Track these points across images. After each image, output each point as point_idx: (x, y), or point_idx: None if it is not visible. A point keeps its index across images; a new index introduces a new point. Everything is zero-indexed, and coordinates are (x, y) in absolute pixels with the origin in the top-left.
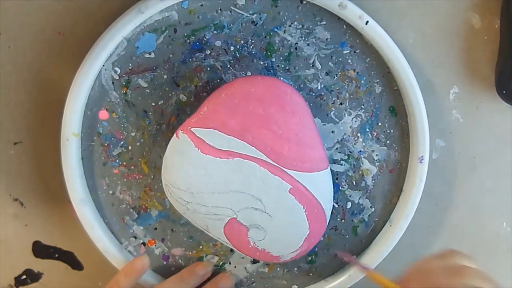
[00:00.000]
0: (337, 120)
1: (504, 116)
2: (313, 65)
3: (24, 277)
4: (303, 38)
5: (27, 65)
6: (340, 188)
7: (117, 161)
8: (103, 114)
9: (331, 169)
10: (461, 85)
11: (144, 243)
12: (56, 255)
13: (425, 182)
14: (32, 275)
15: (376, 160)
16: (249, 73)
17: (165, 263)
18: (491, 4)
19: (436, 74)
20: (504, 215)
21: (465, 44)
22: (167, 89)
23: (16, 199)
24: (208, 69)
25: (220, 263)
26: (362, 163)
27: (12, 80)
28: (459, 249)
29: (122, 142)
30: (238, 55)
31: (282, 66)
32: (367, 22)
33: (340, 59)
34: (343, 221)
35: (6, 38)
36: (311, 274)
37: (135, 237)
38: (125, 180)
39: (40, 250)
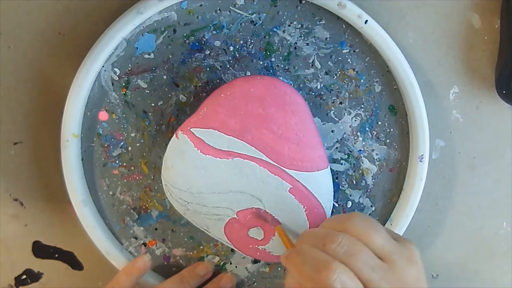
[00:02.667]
0: (337, 120)
1: (504, 116)
2: (312, 65)
3: (24, 277)
4: (303, 37)
5: (27, 65)
6: (340, 187)
7: (117, 162)
8: (103, 115)
9: (331, 169)
10: (461, 85)
11: (145, 244)
12: (56, 255)
13: (425, 182)
14: (32, 275)
15: (376, 159)
16: (248, 73)
17: (166, 263)
18: (491, 4)
19: (436, 74)
20: (504, 215)
21: (465, 44)
22: (166, 89)
23: (16, 199)
24: (208, 69)
25: (221, 263)
26: (362, 162)
27: (12, 80)
28: (459, 249)
29: (122, 143)
30: (237, 55)
31: (282, 65)
32: (366, 21)
33: (340, 58)
34: None
35: (6, 38)
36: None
37: (136, 238)
38: (125, 180)
39: (40, 250)
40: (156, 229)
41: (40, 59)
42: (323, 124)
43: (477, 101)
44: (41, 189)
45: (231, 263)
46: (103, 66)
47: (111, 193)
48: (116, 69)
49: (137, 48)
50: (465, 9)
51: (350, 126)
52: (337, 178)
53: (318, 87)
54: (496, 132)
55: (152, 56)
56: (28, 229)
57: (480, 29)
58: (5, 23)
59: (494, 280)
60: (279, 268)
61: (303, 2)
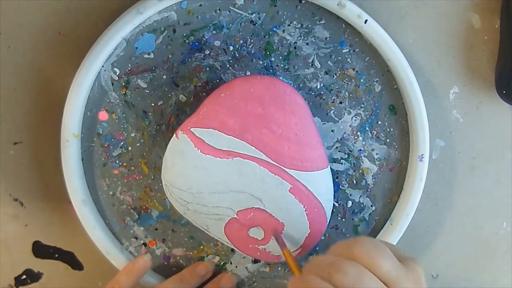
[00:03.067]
0: (337, 119)
1: (504, 116)
2: (312, 64)
3: (24, 277)
4: (302, 37)
5: (27, 65)
6: (341, 187)
7: (117, 161)
8: (103, 115)
9: (331, 168)
10: (461, 85)
11: (145, 244)
12: (56, 255)
13: (425, 182)
14: (32, 275)
15: (376, 159)
16: (248, 73)
17: (166, 263)
18: (491, 4)
19: (436, 74)
20: (504, 215)
21: (465, 44)
22: (166, 89)
23: (16, 199)
24: (208, 69)
25: (221, 263)
26: (362, 162)
27: (12, 80)
28: (459, 249)
29: (122, 143)
30: (237, 55)
31: (281, 65)
32: (366, 20)
33: (340, 58)
34: (343, 220)
35: (6, 38)
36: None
37: (136, 238)
38: (125, 180)
39: (40, 250)
40: (156, 229)
41: (40, 59)
42: (323, 123)
43: (477, 101)
44: (41, 189)
45: (231, 263)
46: (103, 66)
47: (111, 193)
48: (116, 69)
49: (137, 48)
50: (465, 9)
51: (350, 126)
52: (337, 178)
53: (318, 87)
54: (496, 132)
55: (152, 56)
56: (28, 229)
57: (480, 29)
58: (5, 23)
59: (494, 280)
60: (279, 268)
61: (303, 1)
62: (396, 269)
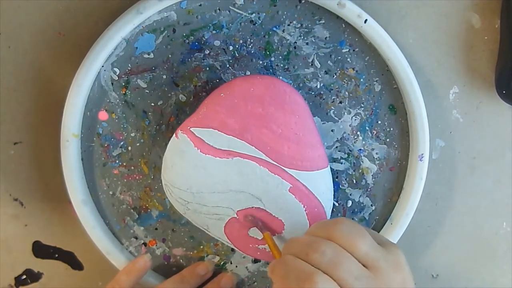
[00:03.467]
0: (337, 119)
1: (504, 116)
2: (312, 64)
3: (24, 277)
4: (302, 37)
5: (27, 65)
6: (341, 186)
7: (117, 161)
8: (103, 115)
9: (331, 168)
10: (461, 85)
11: (145, 244)
12: (56, 255)
13: (425, 182)
14: (32, 275)
15: (376, 158)
16: (248, 73)
17: (166, 263)
18: (491, 4)
19: (436, 74)
20: (504, 215)
21: (465, 44)
22: (166, 89)
23: (16, 199)
24: (207, 69)
25: (221, 263)
26: (362, 162)
27: (12, 80)
28: (459, 249)
29: (122, 143)
30: (237, 55)
31: (281, 65)
32: (365, 20)
33: (339, 57)
34: None
35: (6, 38)
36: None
37: (136, 238)
38: (125, 180)
39: (40, 250)
40: (156, 228)
41: (40, 59)
42: (323, 123)
43: (477, 101)
44: (41, 189)
45: (231, 263)
46: (102, 66)
47: (111, 193)
48: (115, 69)
49: (137, 48)
50: (465, 9)
51: (350, 125)
52: (337, 177)
53: (318, 87)
54: (496, 132)
55: (151, 56)
56: (28, 229)
57: (480, 29)
58: (5, 23)
59: (494, 280)
60: None
61: (303, 1)
62: (374, 251)
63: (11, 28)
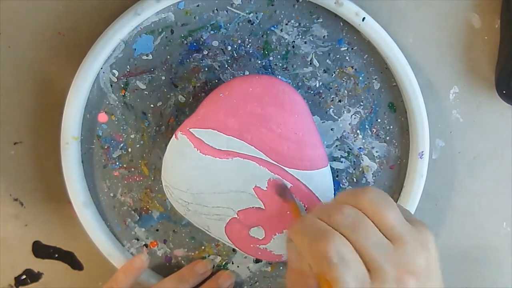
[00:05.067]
0: (336, 118)
1: (504, 116)
2: (310, 63)
3: (24, 277)
4: (300, 36)
5: (27, 65)
6: (341, 185)
7: (117, 163)
8: (102, 117)
9: (331, 167)
10: (461, 85)
11: (146, 245)
12: (56, 255)
13: (425, 182)
14: (32, 275)
15: (376, 157)
16: (247, 73)
17: (167, 264)
18: (491, 4)
19: (436, 74)
20: (504, 215)
21: (465, 44)
22: (165, 90)
23: (16, 199)
24: (206, 69)
25: (223, 263)
26: (362, 160)
27: (12, 80)
28: (459, 249)
29: (121, 145)
30: (235, 55)
31: (280, 64)
32: (363, 18)
33: (338, 56)
34: None
35: (6, 38)
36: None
37: (137, 239)
38: (125, 182)
39: (40, 250)
40: (157, 230)
41: (40, 59)
42: (322, 122)
43: (477, 101)
44: (41, 189)
45: (233, 263)
46: (101, 68)
47: (111, 194)
48: (114, 71)
49: (135, 49)
50: (465, 9)
51: (349, 124)
52: (337, 176)
53: (317, 86)
54: (496, 132)
55: (150, 57)
56: (28, 229)
57: (480, 29)
58: (5, 23)
59: (494, 280)
60: (281, 268)
61: (300, 0)
62: (401, 225)
63: (11, 28)
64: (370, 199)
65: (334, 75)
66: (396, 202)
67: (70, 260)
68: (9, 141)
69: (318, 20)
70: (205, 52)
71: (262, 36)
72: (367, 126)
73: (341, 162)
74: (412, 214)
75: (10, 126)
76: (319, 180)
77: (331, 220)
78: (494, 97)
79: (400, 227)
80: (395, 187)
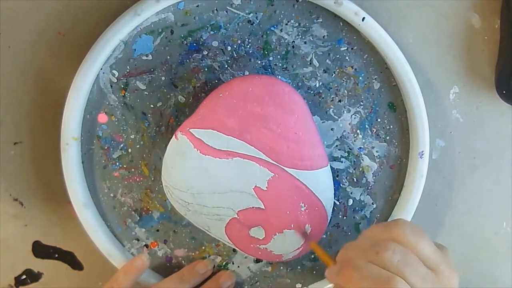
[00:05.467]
0: (336, 117)
1: (504, 116)
2: (310, 63)
3: (24, 277)
4: (300, 36)
5: (27, 65)
6: (341, 185)
7: (118, 164)
8: (102, 118)
9: (331, 167)
10: (461, 85)
11: (146, 245)
12: (56, 255)
13: (425, 182)
14: (32, 275)
15: (376, 157)
16: (246, 73)
17: (168, 264)
18: (491, 4)
19: (436, 74)
20: (504, 215)
21: (465, 44)
22: (165, 90)
23: (16, 199)
24: (206, 69)
25: (223, 263)
26: (362, 160)
27: (12, 80)
28: (459, 249)
29: (122, 145)
30: (235, 55)
31: (280, 64)
32: (363, 18)
33: (338, 56)
34: (345, 218)
35: (6, 38)
36: (314, 272)
37: (138, 240)
38: (125, 182)
39: (40, 250)
40: (157, 230)
41: (40, 59)
42: (322, 122)
43: (477, 101)
44: (41, 189)
45: (233, 263)
46: (101, 69)
47: (112, 195)
48: (114, 71)
49: (135, 49)
50: (465, 9)
51: (349, 124)
52: (337, 176)
53: (317, 85)
54: (496, 132)
55: (150, 57)
56: (28, 229)
57: (480, 29)
58: (5, 23)
59: (494, 280)
60: (281, 267)
61: (300, 0)
62: (435, 254)
63: (11, 28)
64: (406, 232)
65: (334, 75)
66: (397, 202)
67: (70, 260)
68: (9, 141)
69: (318, 20)
70: (205, 53)
71: (262, 36)
72: (367, 126)
73: (341, 162)
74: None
75: (10, 126)
76: (319, 180)
77: (382, 258)
78: (494, 97)
79: (435, 256)
80: (395, 187)
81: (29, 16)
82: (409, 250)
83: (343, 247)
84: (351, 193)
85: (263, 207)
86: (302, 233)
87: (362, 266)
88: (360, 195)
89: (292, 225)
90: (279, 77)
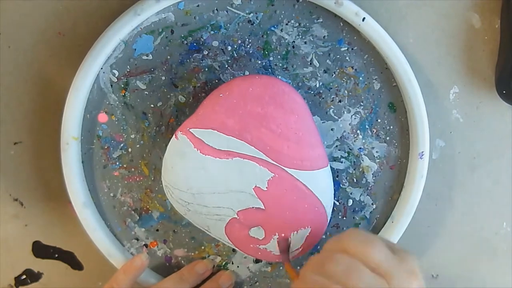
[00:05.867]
0: (336, 118)
1: (504, 116)
2: (311, 63)
3: (24, 277)
4: (300, 36)
5: (27, 65)
6: (341, 185)
7: (118, 163)
8: (102, 117)
9: (331, 167)
10: (461, 85)
11: (146, 245)
12: (56, 255)
13: (425, 182)
14: (32, 275)
15: (376, 157)
16: (247, 73)
17: (167, 264)
18: (491, 4)
19: (436, 74)
20: (504, 215)
21: (465, 44)
22: (165, 90)
23: (16, 199)
24: (206, 69)
25: (223, 263)
26: (362, 160)
27: (12, 80)
28: (459, 249)
29: (122, 145)
30: (235, 55)
31: (280, 64)
32: (363, 18)
33: (338, 56)
34: (344, 218)
35: (6, 38)
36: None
37: (137, 239)
38: (125, 182)
39: (40, 250)
40: (157, 230)
41: (40, 59)
42: (322, 122)
43: (477, 101)
44: (41, 189)
45: (233, 263)
46: (101, 68)
47: (112, 195)
48: (114, 71)
49: (135, 49)
50: (465, 9)
51: (349, 124)
52: (337, 177)
53: (317, 86)
54: (496, 132)
55: (150, 57)
56: (28, 229)
57: (480, 29)
58: (5, 23)
59: (494, 280)
60: (281, 268)
61: (300, 0)
62: (387, 259)
63: (11, 28)
64: (354, 241)
65: (334, 75)
66: (397, 202)
67: (70, 260)
68: (9, 141)
69: (318, 20)
70: (205, 52)
71: (262, 36)
72: (367, 126)
73: (341, 162)
74: (395, 243)
75: (10, 126)
76: (319, 180)
77: (325, 270)
78: (494, 97)
79: (386, 262)
80: (395, 187)
81: (29, 16)
82: (356, 259)
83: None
84: (351, 193)
85: (263, 207)
86: (284, 247)
87: (308, 278)
88: (360, 196)
89: (277, 237)
90: (279, 77)
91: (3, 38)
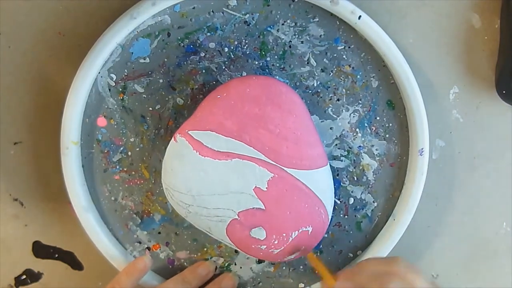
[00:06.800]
0: (335, 117)
1: (504, 116)
2: (308, 63)
3: (24, 277)
4: (297, 36)
5: (27, 65)
6: (342, 184)
7: (118, 167)
8: (101, 121)
9: (331, 166)
10: (461, 85)
11: (148, 248)
12: (56, 255)
13: (425, 182)
14: (32, 275)
15: (376, 155)
16: (244, 74)
17: (170, 266)
18: (491, 4)
19: (436, 74)
20: (504, 215)
21: (465, 44)
22: (163, 93)
23: (16, 199)
24: (203, 71)
25: (226, 265)
26: (362, 158)
27: (12, 80)
28: (459, 249)
29: (121, 148)
30: (232, 56)
31: (277, 65)
32: (359, 16)
33: (335, 55)
34: (346, 217)
35: (6, 38)
36: (317, 272)
37: (140, 242)
38: (126, 185)
39: (40, 250)
40: (159, 232)
41: (40, 59)
42: (321, 121)
43: (477, 101)
44: (41, 189)
45: (235, 264)
46: (99, 73)
47: (113, 198)
48: (112, 75)
49: (132, 53)
50: (465, 9)
51: (348, 123)
52: (337, 175)
53: (315, 85)
54: (496, 132)
55: (147, 60)
56: (28, 229)
57: (480, 29)
58: (5, 23)
59: (494, 280)
60: (284, 268)
61: (296, 0)
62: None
63: (11, 28)
64: (404, 269)
65: (331, 74)
66: (398, 200)
67: (70, 260)
68: (9, 141)
69: (314, 20)
70: (202, 54)
71: (259, 36)
72: (366, 124)
73: (341, 160)
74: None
75: (10, 126)
76: (319, 179)
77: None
78: (494, 97)
79: None
80: (396, 184)
81: (29, 16)
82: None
83: (343, 273)
84: (351, 191)
85: (264, 208)
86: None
87: None
88: (361, 194)
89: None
90: (277, 77)
91: (3, 38)
